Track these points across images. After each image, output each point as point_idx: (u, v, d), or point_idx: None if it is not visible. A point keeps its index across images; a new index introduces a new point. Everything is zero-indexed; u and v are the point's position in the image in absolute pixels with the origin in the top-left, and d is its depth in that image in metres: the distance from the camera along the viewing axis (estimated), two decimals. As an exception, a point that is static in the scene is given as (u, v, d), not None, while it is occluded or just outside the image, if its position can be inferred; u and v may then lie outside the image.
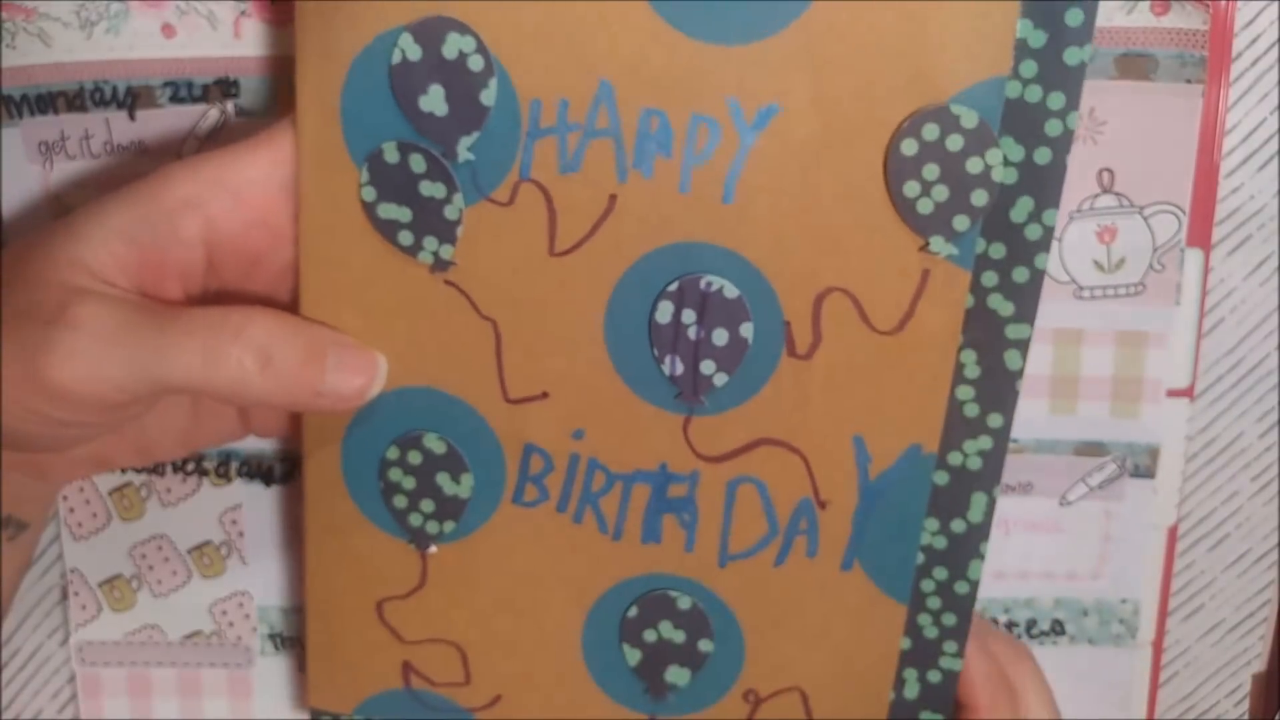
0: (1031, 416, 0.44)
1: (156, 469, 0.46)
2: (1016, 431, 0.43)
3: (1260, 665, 0.47)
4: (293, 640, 0.48)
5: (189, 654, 0.48)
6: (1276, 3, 0.41)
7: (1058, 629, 0.46)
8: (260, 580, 0.47)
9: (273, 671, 0.48)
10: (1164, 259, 0.42)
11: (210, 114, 0.42)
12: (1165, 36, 0.40)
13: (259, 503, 0.46)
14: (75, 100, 0.42)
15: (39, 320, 0.34)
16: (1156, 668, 0.46)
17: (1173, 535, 0.45)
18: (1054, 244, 0.42)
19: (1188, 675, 0.47)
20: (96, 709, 0.49)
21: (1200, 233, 0.42)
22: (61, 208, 0.43)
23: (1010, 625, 0.46)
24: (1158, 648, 0.46)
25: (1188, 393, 0.44)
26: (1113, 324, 0.43)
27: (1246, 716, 0.47)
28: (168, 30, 0.41)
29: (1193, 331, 0.43)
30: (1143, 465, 0.44)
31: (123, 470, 0.46)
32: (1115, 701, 0.47)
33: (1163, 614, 0.46)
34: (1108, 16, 0.40)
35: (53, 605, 0.48)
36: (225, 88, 0.42)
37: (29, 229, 0.43)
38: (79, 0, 0.41)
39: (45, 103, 0.42)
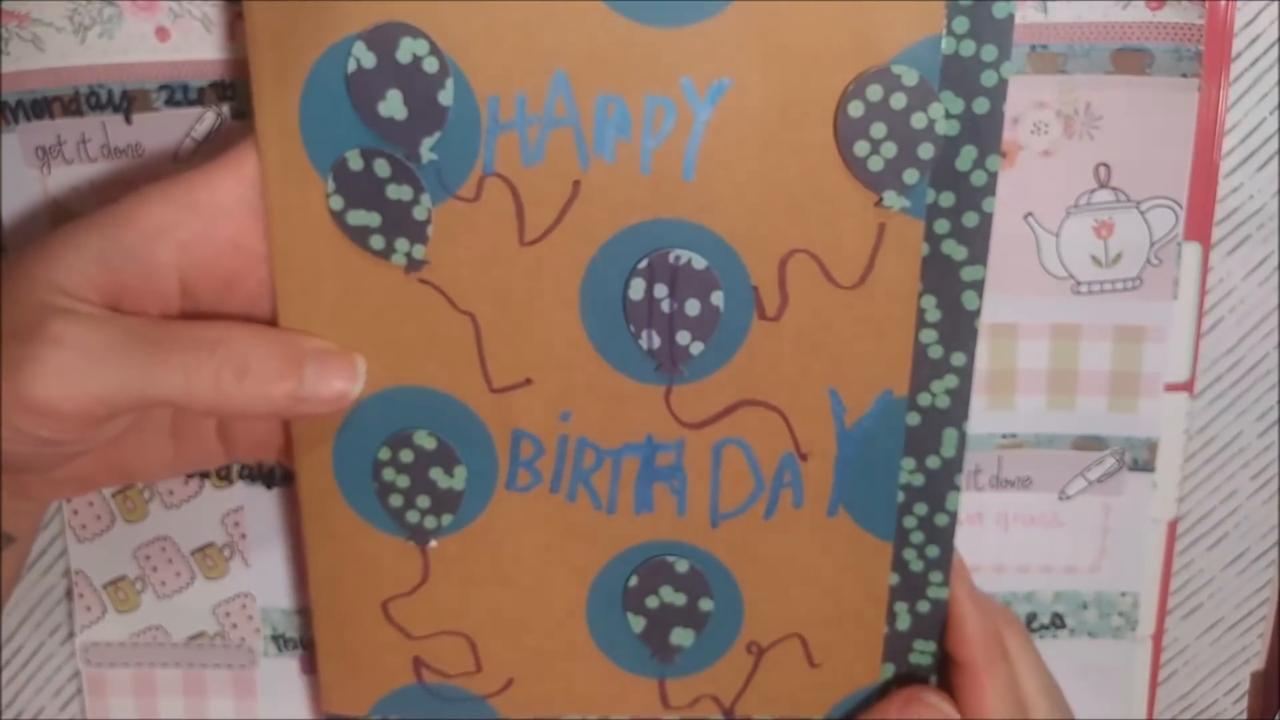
0: (1030, 411, 0.44)
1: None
2: (1015, 426, 0.44)
3: (1259, 663, 0.47)
4: (295, 641, 0.48)
5: (193, 655, 0.48)
6: (1276, 2, 0.41)
7: (1058, 622, 0.46)
8: (263, 582, 0.47)
9: (276, 672, 0.48)
10: (1161, 253, 0.42)
11: (206, 117, 0.42)
12: (1161, 31, 0.40)
13: (261, 505, 0.46)
14: (71, 105, 0.42)
15: (17, 339, 0.34)
16: (1156, 664, 0.46)
17: (1172, 530, 0.45)
18: (1051, 240, 0.42)
19: (1186, 673, 0.47)
20: (102, 708, 0.49)
21: (1199, 228, 0.42)
22: (60, 212, 0.43)
23: (1009, 620, 0.46)
24: (1157, 642, 0.46)
25: (1187, 387, 0.44)
26: (1110, 318, 0.43)
27: (1245, 715, 0.47)
28: (162, 34, 0.41)
29: (1191, 325, 0.43)
30: (1141, 459, 0.44)
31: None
32: (1115, 694, 0.47)
33: (1162, 609, 0.46)
34: (1104, 11, 0.40)
35: (54, 605, 0.48)
36: (221, 90, 0.42)
37: (29, 234, 0.43)
38: (71, 4, 0.41)
39: (41, 108, 0.42)
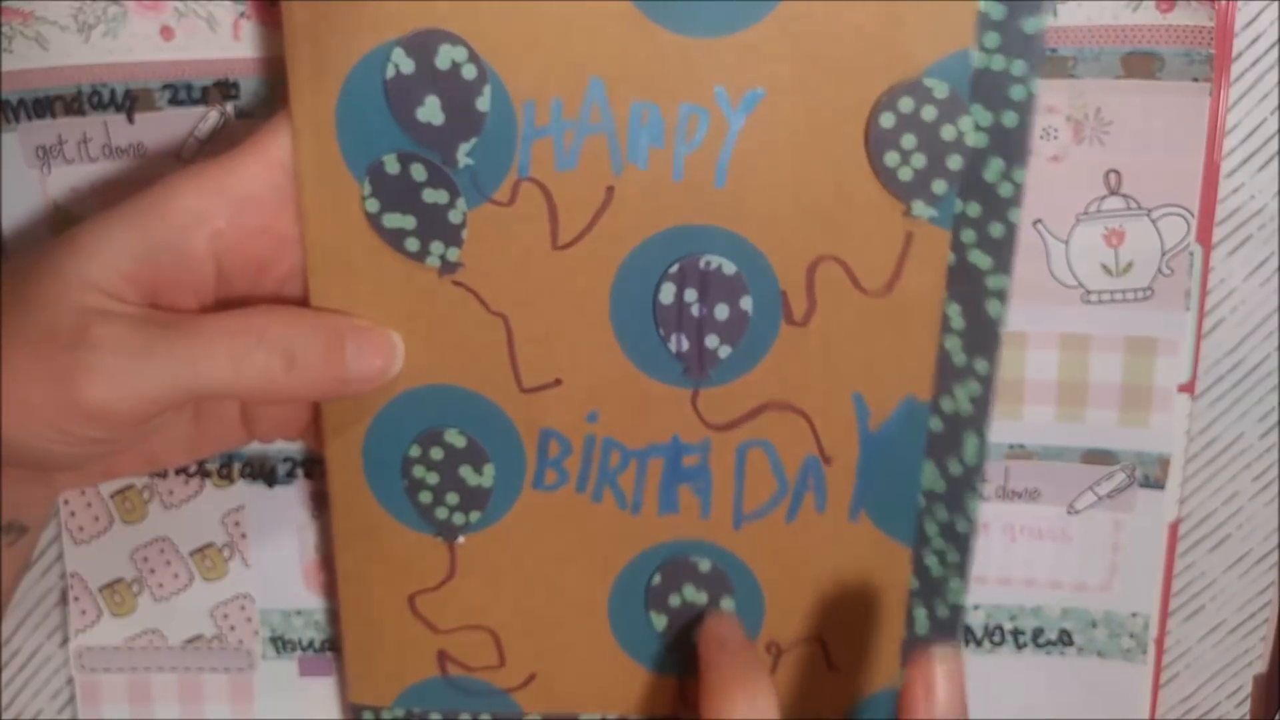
0: (1039, 423, 0.43)
1: (158, 471, 0.46)
2: (1023, 437, 0.44)
3: (1261, 666, 0.47)
4: (295, 643, 0.48)
5: (190, 659, 0.48)
6: (1277, 2, 0.40)
7: (1065, 639, 0.46)
8: (262, 583, 0.47)
9: (275, 675, 0.48)
10: (1172, 263, 0.42)
11: (210, 116, 0.42)
12: (1171, 34, 0.40)
13: (262, 504, 0.46)
14: (73, 104, 0.41)
15: (60, 344, 0.34)
16: (1158, 667, 0.46)
17: (1174, 532, 0.45)
18: (1061, 247, 0.42)
19: (1189, 676, 0.47)
20: (96, 715, 0.48)
21: (1200, 229, 0.42)
22: (60, 212, 0.43)
23: (1016, 634, 0.46)
24: (1159, 645, 0.46)
25: (1188, 389, 0.44)
26: (1121, 329, 0.42)
27: (1247, 718, 0.47)
28: (166, 33, 0.41)
29: (1192, 327, 0.43)
30: (1153, 475, 0.44)
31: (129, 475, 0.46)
32: (1123, 714, 0.47)
33: (1164, 612, 0.46)
34: (1113, 15, 0.40)
35: (52, 606, 0.48)
36: (225, 89, 0.41)
37: (28, 234, 0.43)
38: (76, 2, 0.40)
39: (43, 107, 0.41)
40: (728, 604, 0.43)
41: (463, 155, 0.38)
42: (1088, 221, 0.42)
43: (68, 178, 0.42)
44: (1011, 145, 0.37)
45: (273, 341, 0.36)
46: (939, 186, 0.38)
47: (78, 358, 0.34)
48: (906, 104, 0.37)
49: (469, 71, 0.37)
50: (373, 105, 0.37)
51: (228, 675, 0.48)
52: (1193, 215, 0.41)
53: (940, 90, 0.37)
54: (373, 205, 0.38)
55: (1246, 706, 0.47)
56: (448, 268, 0.39)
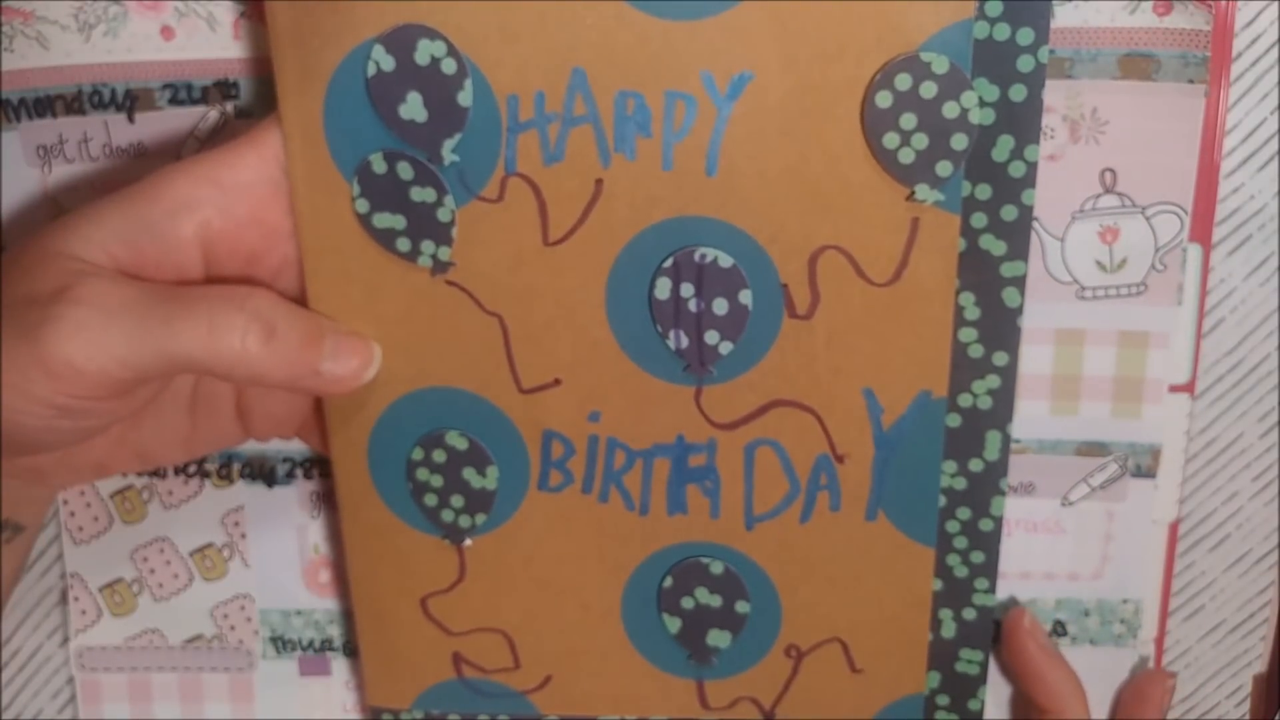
0: (1033, 416, 0.43)
1: (158, 471, 0.46)
2: (1018, 432, 0.43)
3: (1261, 666, 0.47)
4: (295, 643, 0.48)
5: (190, 658, 0.48)
6: (1277, 3, 0.41)
7: (1059, 630, 0.46)
8: (262, 583, 0.47)
9: (275, 675, 0.48)
10: (1166, 259, 0.42)
11: (210, 116, 0.42)
12: (1168, 37, 0.40)
13: (261, 504, 0.46)
14: (73, 103, 0.42)
15: (39, 303, 0.34)
16: (1158, 667, 0.46)
17: (1173, 532, 0.45)
18: (1057, 244, 0.42)
19: (1188, 676, 0.47)
20: (96, 715, 0.48)
21: (1200, 229, 0.42)
22: (60, 211, 0.43)
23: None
24: (1159, 645, 0.46)
25: (1188, 388, 0.44)
26: (1115, 324, 0.42)
27: (1247, 718, 0.47)
28: (166, 32, 0.41)
29: (1192, 326, 0.43)
30: (1144, 465, 0.44)
31: (124, 473, 0.46)
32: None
33: (1164, 612, 0.46)
34: (1110, 17, 0.40)
35: (52, 605, 0.48)
36: (225, 89, 0.42)
37: (28, 233, 0.42)
38: (77, 2, 0.41)
39: (43, 106, 0.42)
40: (742, 607, 0.42)
41: (448, 152, 0.37)
42: (1083, 219, 0.42)
43: (68, 177, 0.43)
44: (1021, 121, 0.36)
45: (255, 310, 0.36)
46: (944, 168, 0.36)
47: (53, 312, 0.33)
48: (904, 81, 0.35)
49: (449, 66, 0.36)
50: (357, 104, 0.37)
51: (228, 675, 0.48)
52: (1186, 213, 0.41)
53: (939, 65, 0.35)
54: (363, 206, 0.38)
55: (1246, 706, 0.47)
56: (440, 267, 0.39)
